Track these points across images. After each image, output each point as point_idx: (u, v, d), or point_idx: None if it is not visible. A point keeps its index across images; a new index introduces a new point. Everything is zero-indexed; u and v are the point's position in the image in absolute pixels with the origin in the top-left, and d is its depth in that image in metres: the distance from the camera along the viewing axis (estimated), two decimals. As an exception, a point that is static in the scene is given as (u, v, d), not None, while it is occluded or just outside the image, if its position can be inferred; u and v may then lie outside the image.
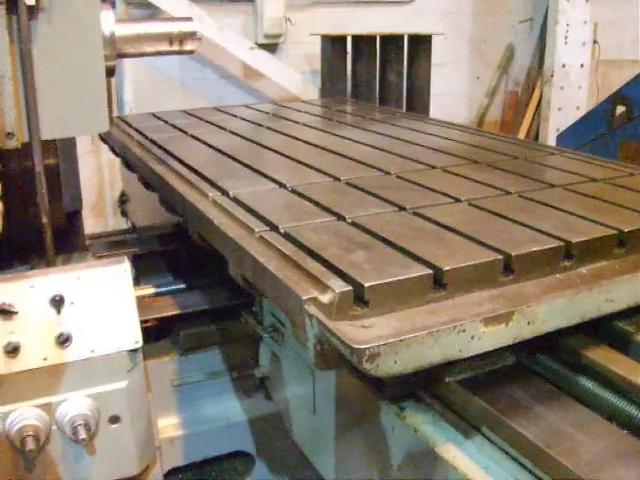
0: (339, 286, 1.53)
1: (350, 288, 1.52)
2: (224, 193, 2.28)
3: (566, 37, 6.12)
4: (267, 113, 4.11)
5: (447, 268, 1.60)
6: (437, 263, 1.63)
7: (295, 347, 2.18)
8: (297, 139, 3.23)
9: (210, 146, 3.06)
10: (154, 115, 3.98)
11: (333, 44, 5.48)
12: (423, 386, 1.70)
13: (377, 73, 5.56)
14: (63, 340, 1.84)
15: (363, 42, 5.48)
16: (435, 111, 5.70)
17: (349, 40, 5.52)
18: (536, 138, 6.57)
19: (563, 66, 6.17)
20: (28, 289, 1.87)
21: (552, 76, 6.20)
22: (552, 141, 5.85)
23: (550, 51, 6.22)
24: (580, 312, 1.63)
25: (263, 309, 2.41)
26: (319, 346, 1.47)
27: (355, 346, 1.33)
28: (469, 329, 1.43)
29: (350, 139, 3.25)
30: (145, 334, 1.99)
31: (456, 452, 1.54)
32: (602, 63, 6.87)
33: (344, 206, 2.09)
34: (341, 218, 2.00)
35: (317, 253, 1.72)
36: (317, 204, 2.14)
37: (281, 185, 2.37)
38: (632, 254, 1.88)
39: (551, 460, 1.37)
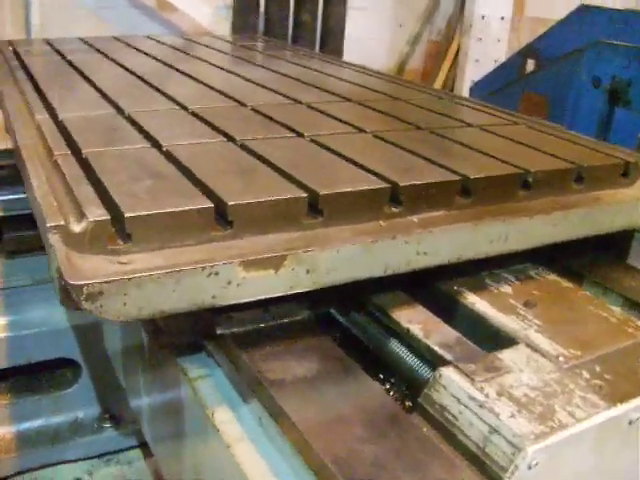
0: (96, 215, 1.27)
1: (107, 217, 1.26)
2: (53, 116, 2.00)
3: (488, -12, 5.85)
4: (165, 44, 3.77)
5: (232, 203, 1.35)
6: (223, 196, 1.37)
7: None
8: (175, 69, 2.93)
9: (78, 71, 2.74)
10: (46, 41, 3.62)
11: (246, -21, 5.12)
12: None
13: (290, 12, 5.21)
14: None
15: (277, -21, 5.12)
16: (354, 56, 5.34)
17: (262, -25, 5.15)
18: (452, 89, 6.33)
19: (482, 17, 5.90)
20: None
21: (470, 27, 5.93)
22: (466, 92, 5.61)
23: (470, 1, 5.93)
24: (380, 264, 1.37)
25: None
26: (62, 281, 1.20)
27: (71, 282, 1.08)
28: (224, 272, 1.18)
29: (233, 72, 2.97)
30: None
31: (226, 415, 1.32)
32: (530, 20, 6.60)
33: (166, 134, 1.82)
34: (156, 146, 1.74)
35: (99, 179, 1.46)
36: (142, 131, 1.87)
37: (119, 111, 2.09)
38: (478, 205, 1.61)
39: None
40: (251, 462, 1.18)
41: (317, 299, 1.51)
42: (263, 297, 1.26)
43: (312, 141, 1.88)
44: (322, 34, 5.39)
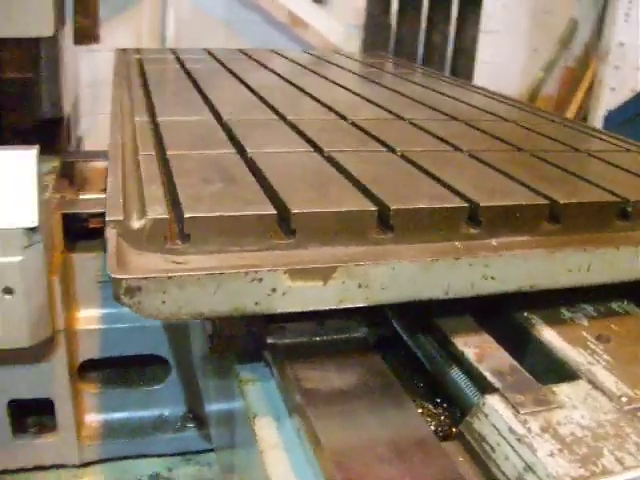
0: (157, 213, 1.28)
1: (166, 216, 1.27)
2: (152, 119, 2.06)
3: (627, 14, 5.54)
4: (287, 59, 3.81)
5: (296, 211, 1.32)
6: (288, 204, 1.35)
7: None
8: (288, 82, 2.95)
9: (191, 79, 2.82)
10: (171, 50, 3.77)
11: (379, -3, 5.09)
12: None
13: (421, 32, 5.15)
14: (-34, 211, 1.91)
15: (409, -1, 5.07)
16: (485, 80, 5.18)
17: (395, -5, 5.11)
18: (586, 117, 6.05)
19: (621, 45, 5.61)
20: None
21: (607, 54, 5.66)
22: (601, 121, 5.36)
23: (609, 28, 5.66)
24: (441, 285, 1.28)
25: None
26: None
27: (113, 275, 1.08)
28: (268, 279, 1.15)
29: (346, 87, 2.95)
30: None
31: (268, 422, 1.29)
32: (676, 50, 6.24)
33: (255, 142, 1.82)
34: (240, 152, 1.75)
35: (173, 180, 1.47)
36: (232, 137, 1.89)
37: (217, 118, 2.12)
38: (568, 233, 1.50)
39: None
40: (280, 471, 1.15)
41: (378, 317, 1.47)
42: (311, 309, 1.21)
43: (402, 156, 1.83)
44: (453, 56, 5.31)
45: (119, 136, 1.85)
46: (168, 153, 1.67)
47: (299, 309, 1.20)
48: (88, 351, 2.42)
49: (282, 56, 3.88)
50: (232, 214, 1.29)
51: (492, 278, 1.33)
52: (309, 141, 1.91)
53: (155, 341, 2.48)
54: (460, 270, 1.29)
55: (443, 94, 3.01)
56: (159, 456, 2.56)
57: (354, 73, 3.53)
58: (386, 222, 1.39)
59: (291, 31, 5.52)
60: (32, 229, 1.97)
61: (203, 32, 5.19)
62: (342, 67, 3.68)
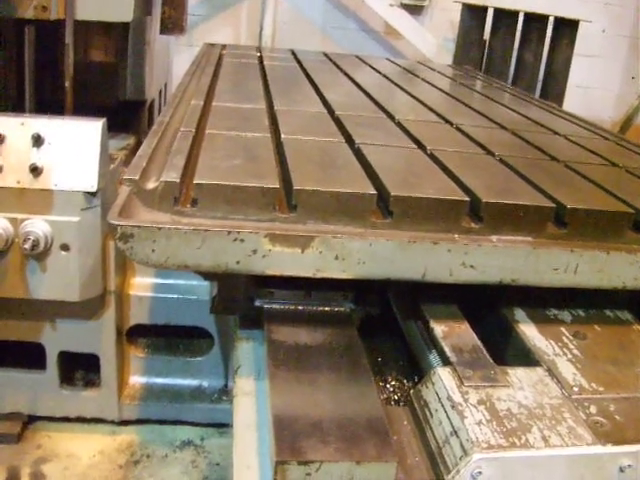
0: (170, 177, 1.42)
1: (177, 180, 1.40)
2: (206, 103, 2.22)
3: None
4: (369, 66, 3.90)
5: (297, 187, 1.43)
6: (293, 180, 1.47)
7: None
8: (360, 88, 3.01)
9: (262, 72, 2.99)
10: (257, 48, 3.97)
11: (473, 13, 5.13)
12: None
13: (513, 51, 5.15)
14: (34, 169, 2.08)
15: (504, 16, 5.06)
16: (576, 104, 5.14)
17: (490, 12, 5.13)
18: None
19: None
20: (19, 125, 2.12)
21: None
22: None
23: None
24: (418, 267, 1.35)
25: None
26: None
27: (110, 221, 1.22)
28: (249, 241, 1.26)
29: (410, 93, 3.01)
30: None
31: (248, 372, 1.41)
32: None
33: (291, 129, 1.94)
34: (275, 135, 1.88)
35: (198, 153, 1.61)
36: (273, 124, 2.03)
37: (269, 106, 2.27)
38: (575, 238, 1.51)
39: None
40: (244, 414, 1.26)
41: (368, 297, 1.56)
42: (289, 274, 1.32)
43: (429, 154, 1.90)
44: (544, 77, 5.27)
45: (168, 115, 2.01)
46: (207, 131, 1.81)
47: (277, 273, 1.31)
48: (138, 316, 2.57)
49: (365, 63, 3.98)
50: (237, 184, 1.41)
51: (472, 267, 1.38)
52: (344, 132, 2.01)
53: (202, 315, 2.58)
54: (438, 255, 1.36)
55: (510, 108, 3.04)
56: (194, 425, 2.67)
57: (429, 82, 3.58)
58: (385, 206, 1.48)
59: (384, 40, 5.64)
60: (91, 193, 2.14)
61: (299, 35, 5.39)
62: (419, 76, 3.74)
